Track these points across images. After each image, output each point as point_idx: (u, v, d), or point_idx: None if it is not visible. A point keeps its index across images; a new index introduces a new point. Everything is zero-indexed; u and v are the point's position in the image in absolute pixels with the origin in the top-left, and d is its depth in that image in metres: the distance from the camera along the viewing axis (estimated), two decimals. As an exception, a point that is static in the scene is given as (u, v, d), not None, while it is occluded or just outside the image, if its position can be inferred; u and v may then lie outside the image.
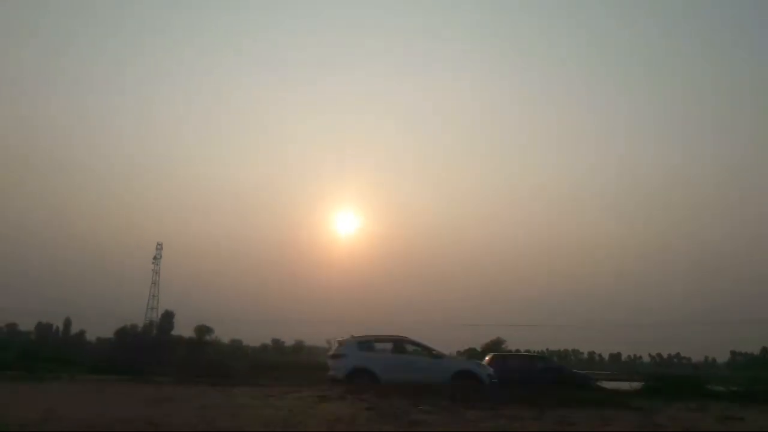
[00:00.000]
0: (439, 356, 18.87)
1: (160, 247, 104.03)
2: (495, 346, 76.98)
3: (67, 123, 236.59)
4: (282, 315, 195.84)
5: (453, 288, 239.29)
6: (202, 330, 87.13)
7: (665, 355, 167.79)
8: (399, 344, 18.99)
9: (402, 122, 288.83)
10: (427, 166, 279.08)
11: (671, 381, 19.85)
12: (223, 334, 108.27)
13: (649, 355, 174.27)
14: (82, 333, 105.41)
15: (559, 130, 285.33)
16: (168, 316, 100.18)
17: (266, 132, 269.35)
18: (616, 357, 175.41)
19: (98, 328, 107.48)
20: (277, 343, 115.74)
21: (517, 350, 62.03)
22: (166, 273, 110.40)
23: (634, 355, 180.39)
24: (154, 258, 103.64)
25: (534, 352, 78.38)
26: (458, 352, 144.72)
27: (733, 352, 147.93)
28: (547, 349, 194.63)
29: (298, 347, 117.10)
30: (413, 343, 19.17)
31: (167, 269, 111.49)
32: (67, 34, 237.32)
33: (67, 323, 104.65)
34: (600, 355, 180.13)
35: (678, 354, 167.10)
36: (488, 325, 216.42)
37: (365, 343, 18.79)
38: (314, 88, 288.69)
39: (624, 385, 28.02)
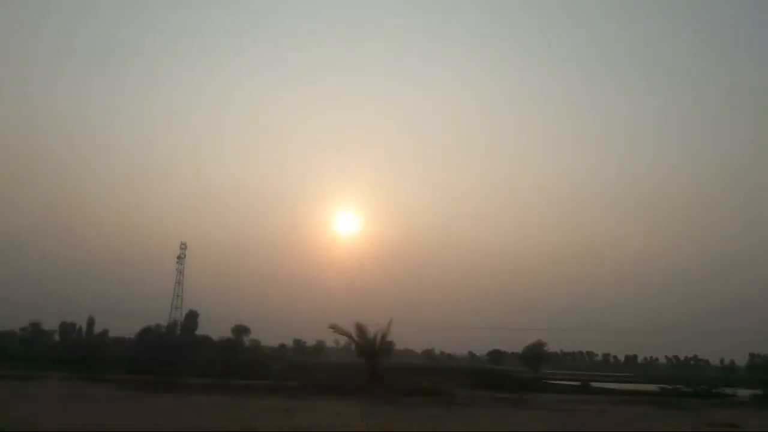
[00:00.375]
0: None
1: (183, 246, 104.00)
2: (536, 348, 76.72)
3: (82, 124, 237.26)
4: (283, 315, 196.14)
5: (457, 290, 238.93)
6: (240, 330, 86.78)
7: (682, 358, 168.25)
8: None
9: (402, 122, 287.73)
10: (430, 166, 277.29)
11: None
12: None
13: (666, 357, 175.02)
14: (105, 332, 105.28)
15: (559, 130, 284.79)
16: (192, 316, 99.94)
17: (267, 132, 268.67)
18: (631, 359, 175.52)
19: (122, 327, 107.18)
20: (298, 343, 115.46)
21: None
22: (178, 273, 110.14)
23: (651, 357, 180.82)
24: (178, 257, 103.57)
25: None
26: (489, 354, 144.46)
27: (752, 355, 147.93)
28: (561, 351, 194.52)
29: (320, 347, 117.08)
30: None
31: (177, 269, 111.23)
32: (68, 34, 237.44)
33: (91, 322, 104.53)
34: (615, 357, 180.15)
35: (695, 356, 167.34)
36: (498, 329, 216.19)
37: None
38: (323, 88, 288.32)
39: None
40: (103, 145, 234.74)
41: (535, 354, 76.61)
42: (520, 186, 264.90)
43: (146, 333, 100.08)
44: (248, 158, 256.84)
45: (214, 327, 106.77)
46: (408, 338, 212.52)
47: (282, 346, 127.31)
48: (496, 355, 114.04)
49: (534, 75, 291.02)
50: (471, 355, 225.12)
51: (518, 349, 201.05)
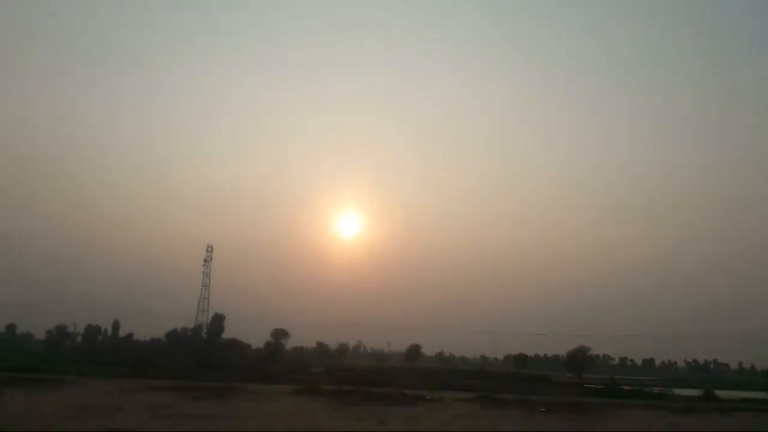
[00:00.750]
0: None
1: (210, 249, 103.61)
2: (581, 353, 75.78)
3: (94, 127, 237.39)
4: (284, 316, 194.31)
5: (460, 291, 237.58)
6: (279, 334, 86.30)
7: (701, 361, 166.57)
8: None
9: (402, 122, 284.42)
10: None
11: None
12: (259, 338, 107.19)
13: (685, 361, 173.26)
14: (130, 335, 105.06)
15: (559, 130, 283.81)
16: (218, 319, 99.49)
17: (267, 132, 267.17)
18: (649, 363, 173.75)
19: (146, 331, 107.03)
20: (321, 346, 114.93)
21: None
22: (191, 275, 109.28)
23: (669, 360, 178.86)
24: (204, 261, 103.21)
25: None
26: (515, 358, 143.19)
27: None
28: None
29: (342, 350, 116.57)
30: None
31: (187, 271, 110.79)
32: (73, 34, 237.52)
33: (116, 325, 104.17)
34: (632, 361, 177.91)
35: (715, 360, 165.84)
36: (509, 333, 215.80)
37: None
38: (324, 89, 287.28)
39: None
40: (119, 147, 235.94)
41: (580, 359, 75.11)
42: (520, 186, 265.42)
43: (173, 336, 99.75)
44: (249, 158, 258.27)
45: (237, 329, 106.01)
46: (417, 340, 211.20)
47: (301, 348, 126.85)
48: (522, 359, 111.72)
49: (534, 75, 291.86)
50: (483, 358, 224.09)
51: (531, 352, 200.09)
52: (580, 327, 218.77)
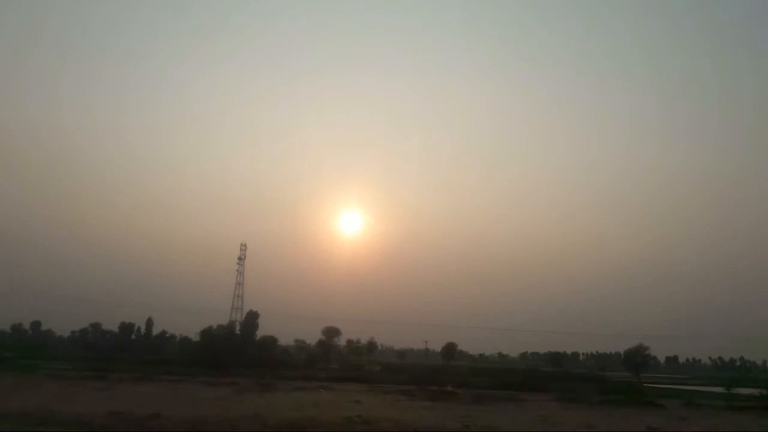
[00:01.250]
0: None
1: (244, 247, 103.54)
2: (639, 352, 75.00)
3: (125, 129, 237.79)
4: (286, 315, 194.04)
5: (472, 292, 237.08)
6: (331, 332, 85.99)
7: (727, 359, 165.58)
8: None
9: (402, 122, 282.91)
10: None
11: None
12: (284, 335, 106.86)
13: (710, 358, 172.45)
14: (163, 333, 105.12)
15: (560, 129, 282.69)
16: (252, 317, 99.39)
17: (268, 132, 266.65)
18: (672, 360, 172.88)
19: (179, 328, 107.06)
20: (351, 343, 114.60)
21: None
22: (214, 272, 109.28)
23: (693, 358, 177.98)
24: (239, 259, 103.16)
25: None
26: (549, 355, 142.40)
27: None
28: (596, 352, 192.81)
29: (372, 346, 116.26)
30: None
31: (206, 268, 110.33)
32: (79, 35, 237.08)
33: (149, 323, 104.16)
34: (655, 358, 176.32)
35: (741, 357, 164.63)
36: (525, 331, 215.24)
37: None
38: (328, 90, 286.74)
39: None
40: (144, 147, 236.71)
41: (638, 358, 74.39)
42: (521, 186, 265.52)
43: (207, 334, 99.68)
44: (257, 159, 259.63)
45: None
46: (421, 338, 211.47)
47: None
48: (557, 356, 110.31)
49: (534, 75, 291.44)
50: (501, 355, 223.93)
51: (533, 350, 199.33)
52: (581, 326, 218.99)
